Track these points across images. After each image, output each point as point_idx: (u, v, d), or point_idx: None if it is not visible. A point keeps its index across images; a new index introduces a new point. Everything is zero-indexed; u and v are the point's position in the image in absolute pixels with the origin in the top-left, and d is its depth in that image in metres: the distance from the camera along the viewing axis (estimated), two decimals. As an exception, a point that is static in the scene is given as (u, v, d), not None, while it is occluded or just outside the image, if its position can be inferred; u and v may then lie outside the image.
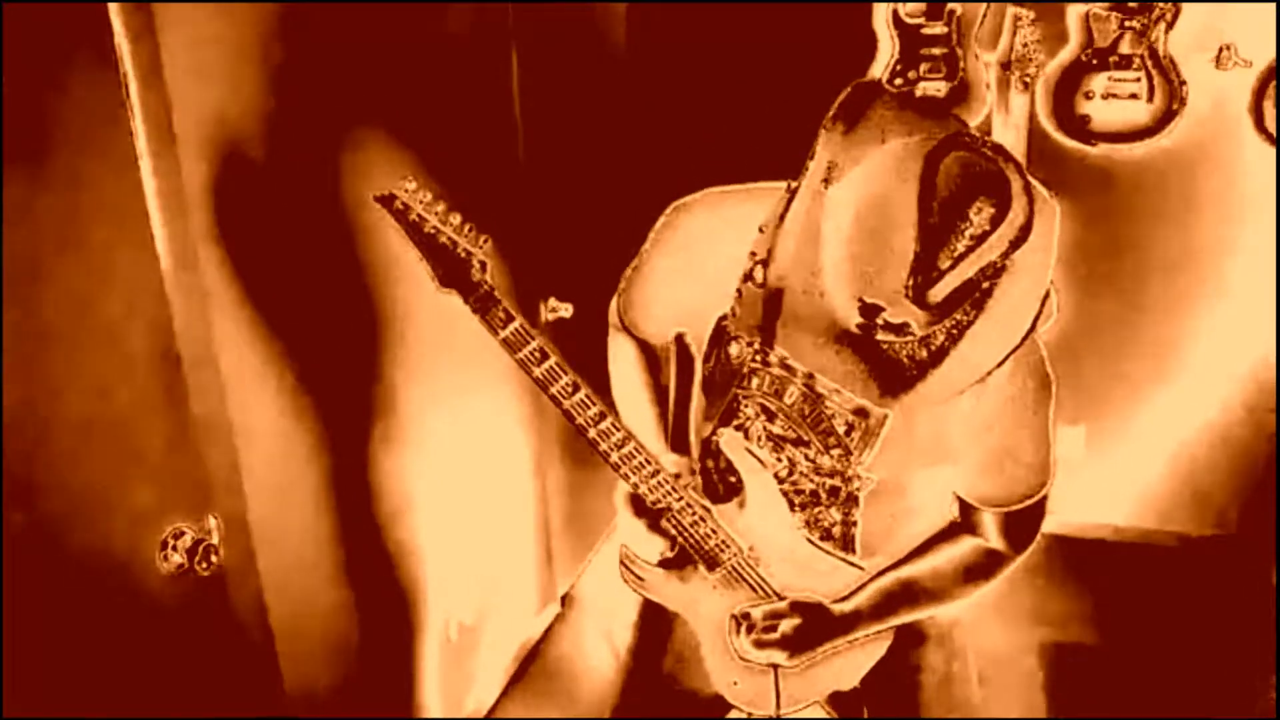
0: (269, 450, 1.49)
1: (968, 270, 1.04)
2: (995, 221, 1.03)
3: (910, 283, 1.03)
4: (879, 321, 1.08)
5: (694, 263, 1.34)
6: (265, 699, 1.50)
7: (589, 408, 1.27)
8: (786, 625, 1.38)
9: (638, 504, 1.37)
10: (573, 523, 2.63)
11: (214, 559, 1.26)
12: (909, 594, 1.38)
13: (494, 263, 1.23)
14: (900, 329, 1.08)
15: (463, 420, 1.97)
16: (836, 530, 1.39)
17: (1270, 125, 2.39)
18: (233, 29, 1.35)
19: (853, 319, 1.09)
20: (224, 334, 1.35)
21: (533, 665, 2.41)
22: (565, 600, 2.62)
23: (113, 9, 1.10)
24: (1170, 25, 2.38)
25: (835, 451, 1.32)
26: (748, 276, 1.24)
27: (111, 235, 1.15)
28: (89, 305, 1.12)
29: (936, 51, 2.51)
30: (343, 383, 1.66)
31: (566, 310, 2.31)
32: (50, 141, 1.06)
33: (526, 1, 2.13)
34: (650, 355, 1.52)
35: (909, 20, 2.50)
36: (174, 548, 1.22)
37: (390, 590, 1.86)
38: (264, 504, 1.45)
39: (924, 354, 1.12)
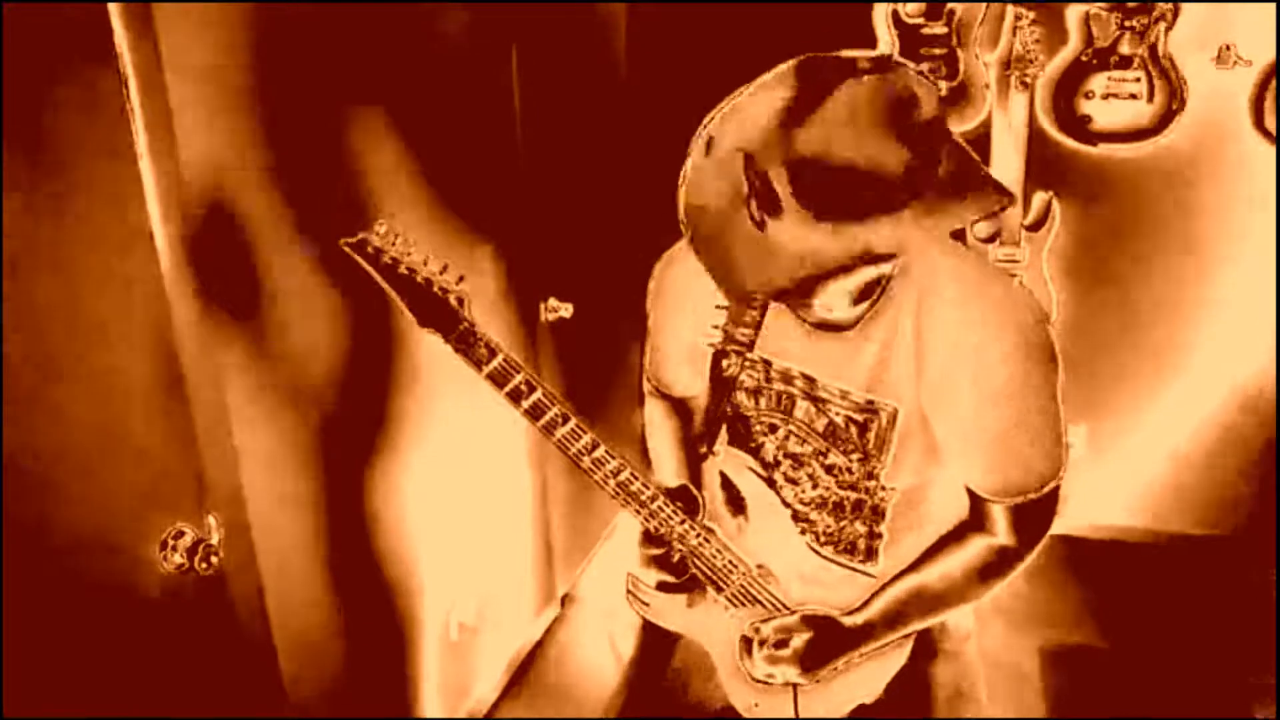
0: (269, 450, 1.49)
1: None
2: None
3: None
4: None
5: (693, 308, 1.35)
6: (265, 699, 1.50)
7: (580, 437, 1.26)
8: (798, 640, 1.36)
9: (649, 535, 1.37)
10: (573, 523, 2.63)
11: (214, 559, 1.26)
12: (921, 600, 1.35)
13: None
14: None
15: (462, 420, 1.96)
16: (861, 544, 1.37)
17: (1270, 125, 2.39)
18: (232, 28, 1.35)
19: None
20: (224, 334, 1.35)
21: (533, 665, 2.40)
22: (564, 600, 2.62)
23: (113, 9, 1.10)
24: (1170, 25, 2.38)
25: (854, 456, 1.31)
26: None
27: (111, 235, 1.15)
28: (89, 305, 1.12)
29: (936, 51, 2.51)
30: (343, 382, 1.66)
31: (566, 310, 2.31)
32: (50, 142, 1.06)
33: (526, 1, 2.13)
34: (682, 412, 1.53)
35: (909, 20, 2.50)
36: (174, 548, 1.22)
37: (390, 590, 1.86)
38: (264, 504, 1.45)
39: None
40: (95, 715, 1.15)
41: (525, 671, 2.38)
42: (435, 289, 1.21)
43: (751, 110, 1.05)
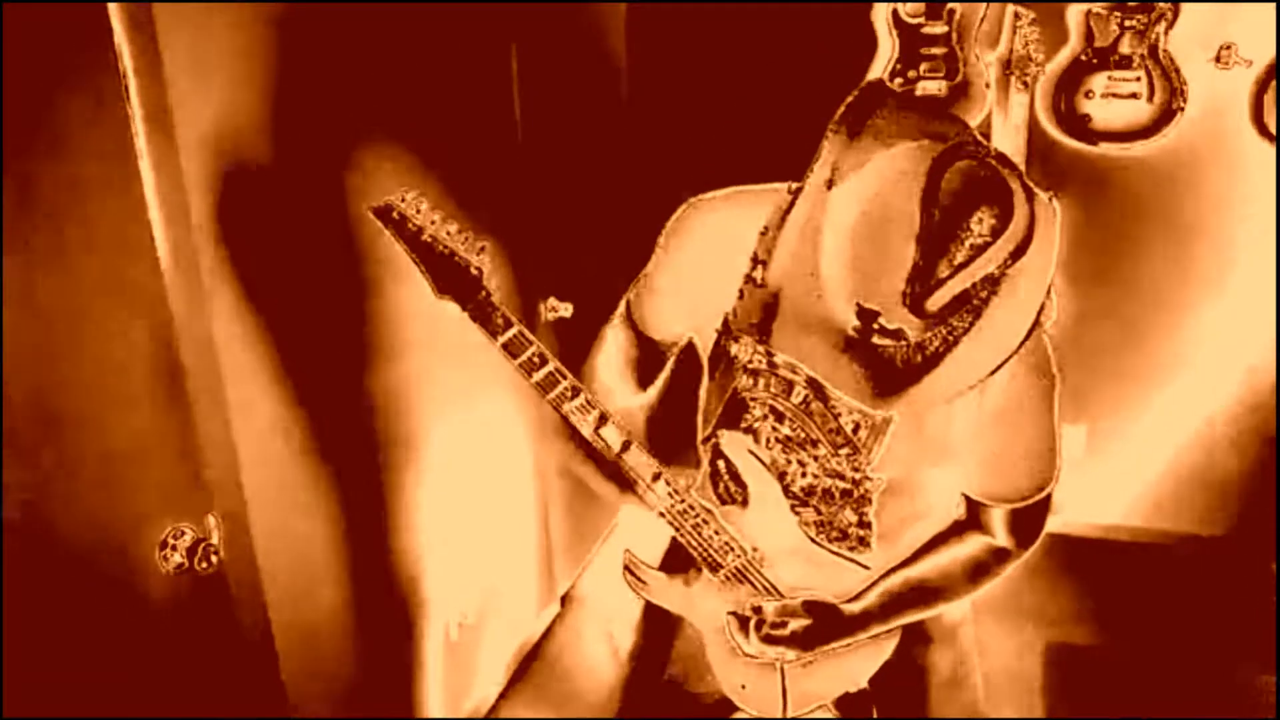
0: (269, 450, 1.49)
1: (966, 280, 1.04)
2: (996, 232, 1.04)
3: (908, 290, 1.04)
4: (875, 326, 1.08)
5: (705, 261, 1.34)
6: (265, 699, 1.50)
7: (589, 411, 1.27)
8: (797, 624, 1.38)
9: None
10: (573, 522, 2.63)
11: (214, 559, 1.26)
12: (917, 593, 1.39)
13: (494, 262, 1.24)
14: (895, 335, 1.09)
15: (464, 421, 1.97)
16: (852, 531, 1.39)
17: (1270, 124, 2.39)
18: (233, 29, 1.35)
19: (849, 322, 1.10)
20: (224, 335, 1.35)
21: (533, 665, 2.41)
22: (564, 600, 2.62)
23: (113, 9, 1.10)
24: (1170, 24, 2.38)
25: (844, 450, 1.32)
26: (749, 277, 1.26)
27: (111, 236, 1.15)
28: (89, 306, 1.12)
29: (936, 51, 2.51)
30: (344, 383, 1.66)
31: (566, 310, 2.31)
32: (50, 142, 1.06)
33: (526, 1, 2.13)
34: (647, 353, 1.51)
35: (909, 20, 2.50)
36: (174, 548, 1.22)
37: (391, 590, 1.86)
38: (264, 504, 1.45)
39: (918, 358, 1.11)
40: (95, 715, 1.15)
41: (526, 670, 2.38)
42: (456, 258, 1.21)
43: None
